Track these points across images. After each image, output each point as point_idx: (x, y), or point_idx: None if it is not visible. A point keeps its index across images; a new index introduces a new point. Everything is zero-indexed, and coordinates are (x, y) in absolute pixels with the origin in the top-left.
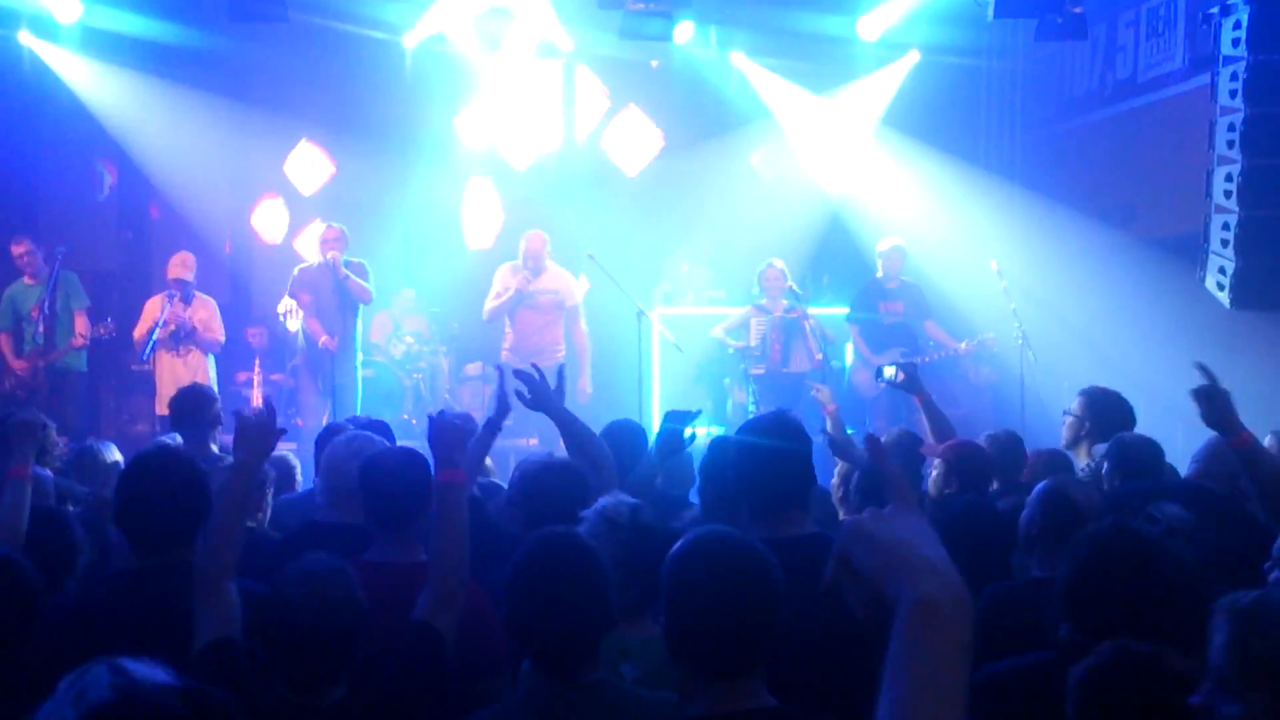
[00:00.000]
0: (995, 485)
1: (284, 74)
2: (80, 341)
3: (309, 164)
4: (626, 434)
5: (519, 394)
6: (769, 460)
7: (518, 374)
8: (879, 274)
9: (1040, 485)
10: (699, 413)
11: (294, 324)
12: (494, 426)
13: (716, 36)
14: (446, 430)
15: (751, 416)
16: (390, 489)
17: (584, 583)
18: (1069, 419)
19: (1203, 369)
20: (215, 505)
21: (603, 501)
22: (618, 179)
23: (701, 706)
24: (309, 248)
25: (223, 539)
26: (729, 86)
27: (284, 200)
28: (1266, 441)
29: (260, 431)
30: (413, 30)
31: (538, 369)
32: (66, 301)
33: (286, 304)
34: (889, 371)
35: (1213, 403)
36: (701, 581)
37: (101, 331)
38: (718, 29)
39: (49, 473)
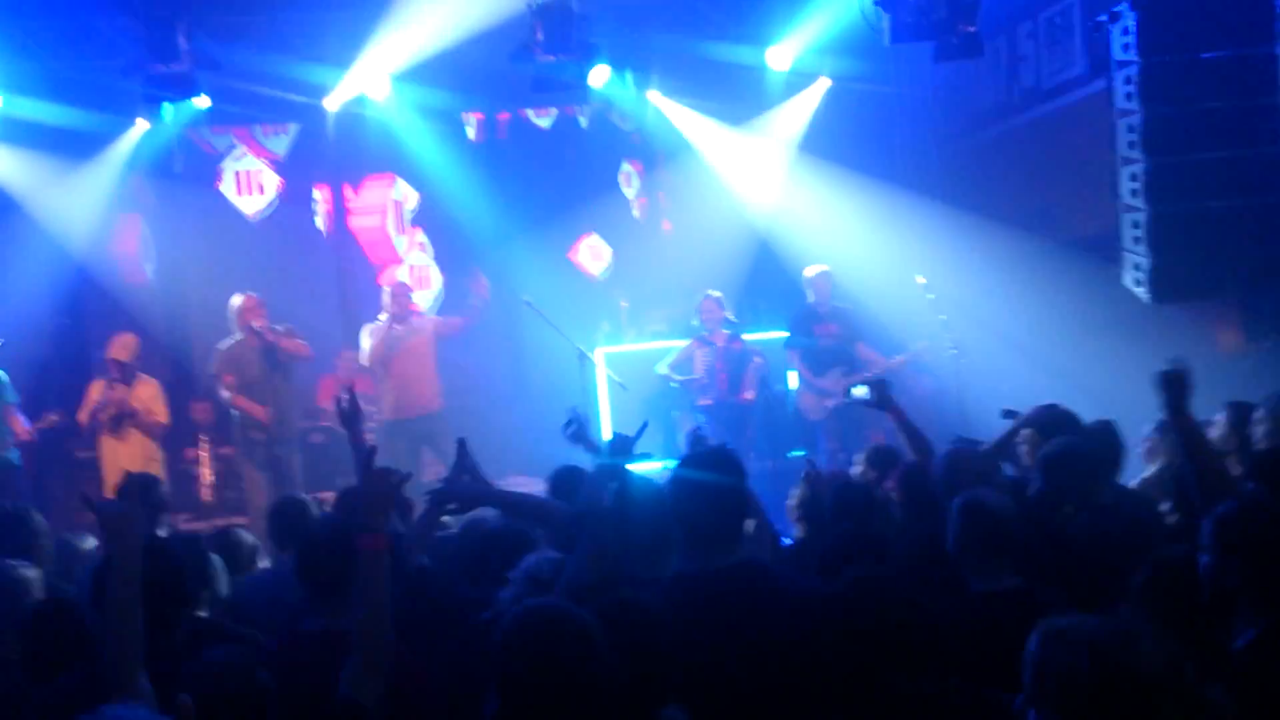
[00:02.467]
0: None
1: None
2: (24, 436)
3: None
4: (573, 480)
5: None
6: (702, 495)
7: (434, 497)
8: (810, 299)
9: (957, 500)
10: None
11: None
12: (441, 498)
13: (632, 77)
14: (370, 495)
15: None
16: (321, 555)
17: (577, 660)
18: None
19: (1175, 361)
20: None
21: (528, 560)
22: (552, 223)
23: None
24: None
25: (127, 634)
26: (648, 124)
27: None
28: (1217, 417)
29: (119, 519)
30: (333, 93)
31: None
32: None
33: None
34: (859, 391)
35: (1176, 388)
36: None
37: (49, 423)
38: (632, 70)
39: (35, 572)
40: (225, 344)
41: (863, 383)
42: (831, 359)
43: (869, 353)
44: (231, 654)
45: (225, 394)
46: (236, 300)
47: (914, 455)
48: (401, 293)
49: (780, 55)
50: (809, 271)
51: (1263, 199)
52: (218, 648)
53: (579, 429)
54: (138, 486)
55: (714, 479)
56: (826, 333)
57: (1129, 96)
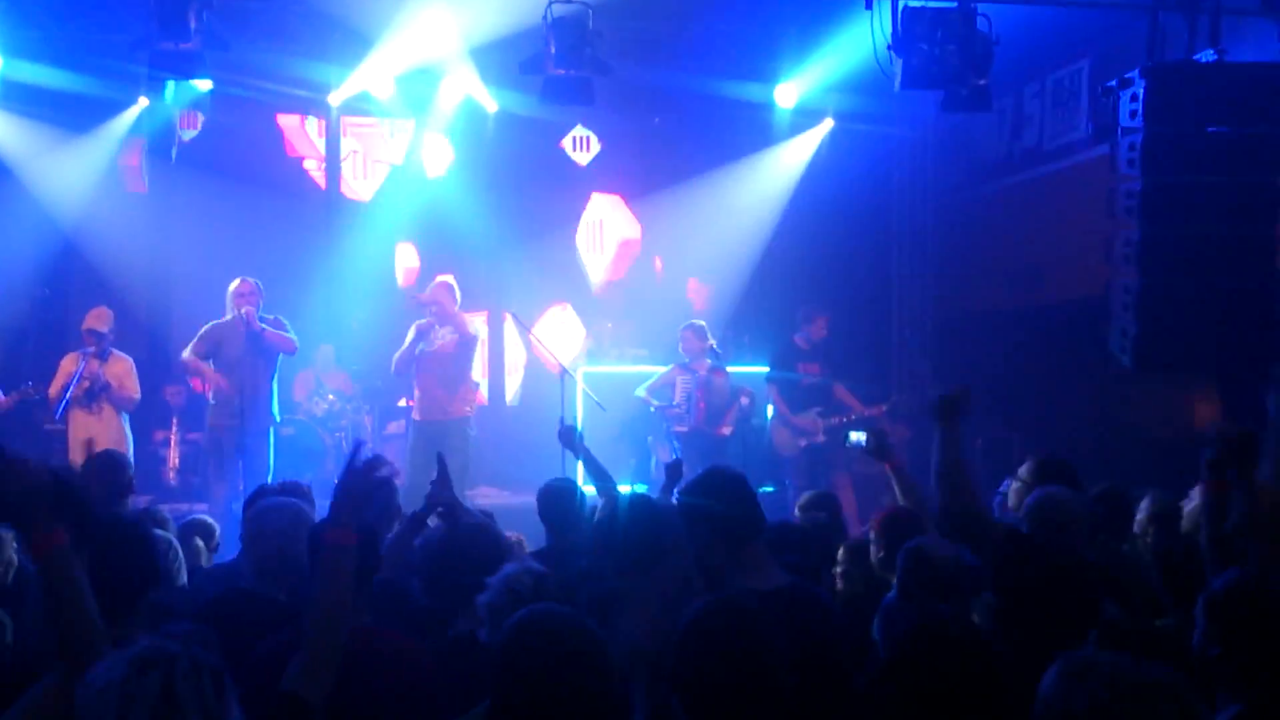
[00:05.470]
0: None
1: (209, 129)
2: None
3: None
4: (561, 494)
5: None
6: (736, 518)
7: (413, 517)
8: (798, 336)
9: (904, 546)
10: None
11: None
12: (419, 520)
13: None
14: (348, 488)
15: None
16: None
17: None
18: (1016, 485)
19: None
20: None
21: (507, 569)
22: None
23: None
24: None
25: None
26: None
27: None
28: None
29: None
30: (338, 89)
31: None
32: None
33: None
34: (856, 437)
35: (1241, 449)
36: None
37: (26, 394)
38: (637, 97)
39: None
40: (214, 322)
41: (863, 428)
42: (811, 397)
43: (846, 395)
44: (189, 632)
45: (185, 355)
46: (234, 284)
47: (909, 507)
48: (445, 293)
49: (788, 92)
50: (805, 312)
51: (1254, 279)
52: (176, 624)
53: (569, 435)
54: (106, 464)
55: (739, 505)
56: (809, 371)
57: (1131, 163)
